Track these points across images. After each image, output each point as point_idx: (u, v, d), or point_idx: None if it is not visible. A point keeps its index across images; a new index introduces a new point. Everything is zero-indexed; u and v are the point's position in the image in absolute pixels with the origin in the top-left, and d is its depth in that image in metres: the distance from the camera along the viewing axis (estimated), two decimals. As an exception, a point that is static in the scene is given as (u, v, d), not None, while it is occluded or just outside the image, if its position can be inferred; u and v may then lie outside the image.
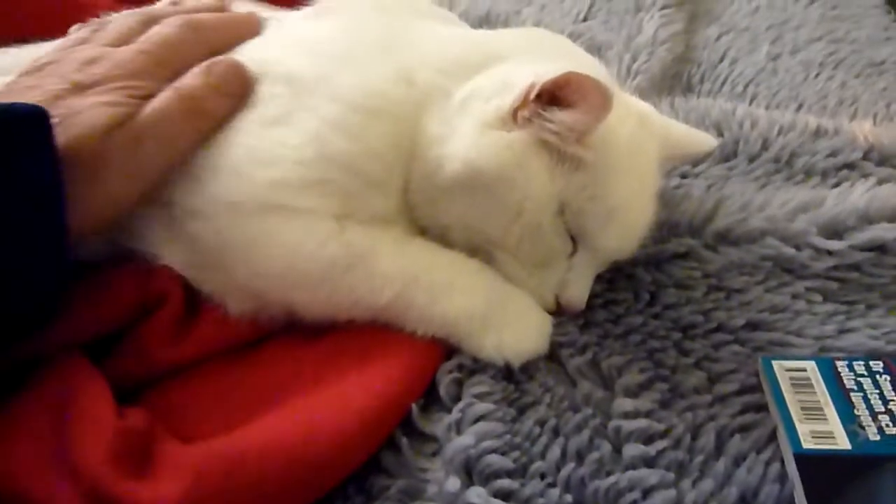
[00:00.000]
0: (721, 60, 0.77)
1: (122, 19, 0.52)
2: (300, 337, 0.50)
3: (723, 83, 0.75)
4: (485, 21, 0.85)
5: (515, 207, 0.48)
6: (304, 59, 0.52)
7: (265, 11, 0.61)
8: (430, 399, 0.48)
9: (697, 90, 0.75)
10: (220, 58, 0.51)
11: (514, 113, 0.47)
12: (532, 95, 0.46)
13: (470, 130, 0.48)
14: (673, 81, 0.75)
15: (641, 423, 0.45)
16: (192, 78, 0.49)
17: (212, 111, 0.48)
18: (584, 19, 0.87)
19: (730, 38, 0.81)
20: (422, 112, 0.50)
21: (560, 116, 0.46)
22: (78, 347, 0.48)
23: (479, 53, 0.53)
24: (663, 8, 0.80)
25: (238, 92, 0.49)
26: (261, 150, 0.49)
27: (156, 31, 0.51)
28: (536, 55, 0.52)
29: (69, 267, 0.44)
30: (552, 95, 0.46)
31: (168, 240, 0.52)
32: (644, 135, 0.52)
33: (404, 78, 0.50)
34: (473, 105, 0.49)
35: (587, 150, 0.47)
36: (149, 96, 0.47)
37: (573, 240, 0.50)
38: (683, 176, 0.62)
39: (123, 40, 0.50)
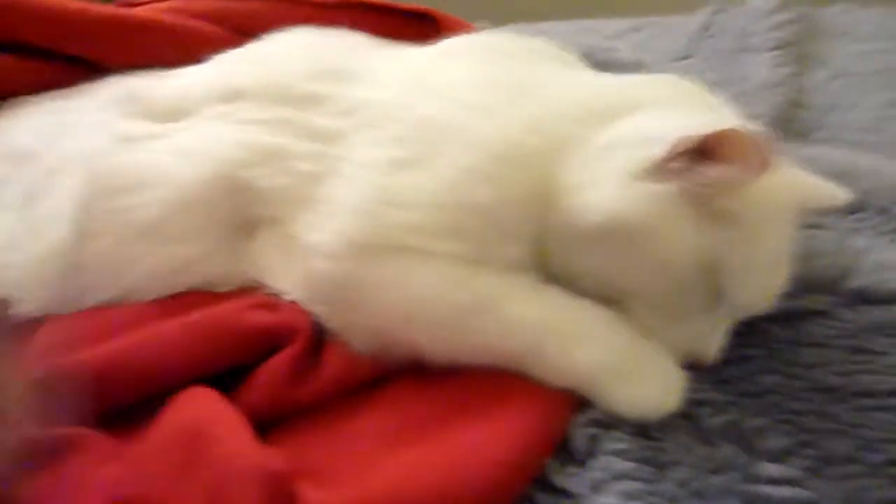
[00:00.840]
0: (833, 106, 0.76)
1: None
2: (424, 378, 0.49)
3: (837, 130, 0.73)
4: (584, 59, 0.84)
5: (658, 261, 0.46)
6: (436, 104, 0.52)
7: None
8: (560, 452, 0.46)
9: (811, 137, 0.73)
10: None
11: (663, 165, 0.46)
12: (684, 149, 0.45)
13: (613, 180, 0.47)
14: (786, 126, 0.73)
15: (790, 491, 0.43)
16: None
17: None
18: (684, 58, 0.86)
19: (840, 83, 0.79)
20: (557, 160, 0.49)
21: (715, 172, 0.45)
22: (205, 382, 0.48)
23: (615, 101, 0.52)
24: (773, 49, 0.79)
25: None
26: (394, 192, 0.49)
27: None
28: (678, 105, 0.51)
29: None
30: (704, 149, 0.45)
31: (291, 274, 0.52)
32: (784, 187, 0.51)
33: (540, 126, 0.50)
34: (616, 154, 0.48)
35: (736, 205, 0.46)
36: None
37: (712, 294, 0.49)
38: (810, 227, 0.60)
39: None
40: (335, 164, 0.52)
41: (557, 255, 0.49)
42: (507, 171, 0.48)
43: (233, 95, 0.57)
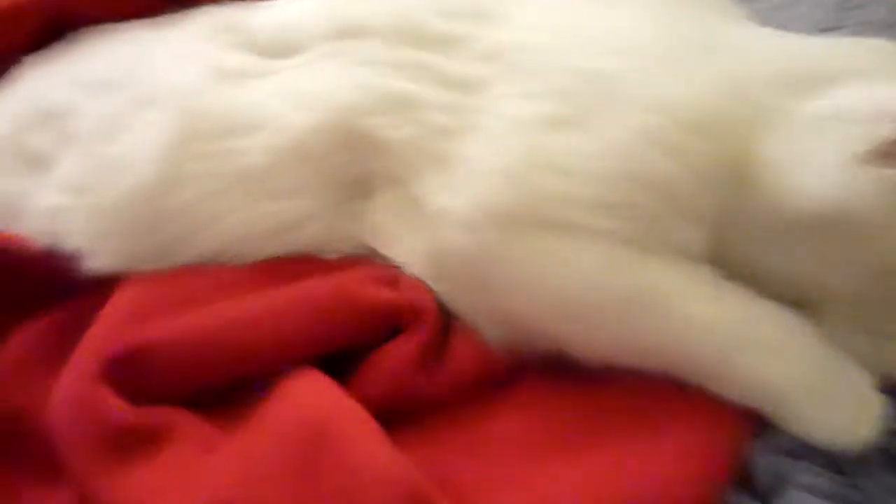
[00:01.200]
0: None
1: None
2: (565, 378, 0.42)
3: None
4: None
5: (883, 262, 0.38)
6: (604, 55, 0.44)
7: None
8: (737, 482, 0.39)
9: None
10: None
11: (899, 146, 0.37)
12: (934, 128, 0.37)
13: (833, 161, 0.38)
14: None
15: None
16: None
17: None
18: (830, 29, 0.76)
19: None
20: (753, 130, 0.41)
21: None
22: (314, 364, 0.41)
23: (819, 66, 0.43)
24: (945, 25, 0.69)
25: None
26: (547, 155, 0.42)
27: None
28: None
29: None
30: None
31: (414, 244, 0.45)
32: None
33: (734, 89, 0.42)
34: (835, 129, 0.39)
35: None
36: None
37: (931, 307, 0.40)
38: None
39: None
40: (474, 118, 0.44)
41: (742, 245, 0.41)
42: (694, 139, 0.40)
43: (352, 31, 0.48)
